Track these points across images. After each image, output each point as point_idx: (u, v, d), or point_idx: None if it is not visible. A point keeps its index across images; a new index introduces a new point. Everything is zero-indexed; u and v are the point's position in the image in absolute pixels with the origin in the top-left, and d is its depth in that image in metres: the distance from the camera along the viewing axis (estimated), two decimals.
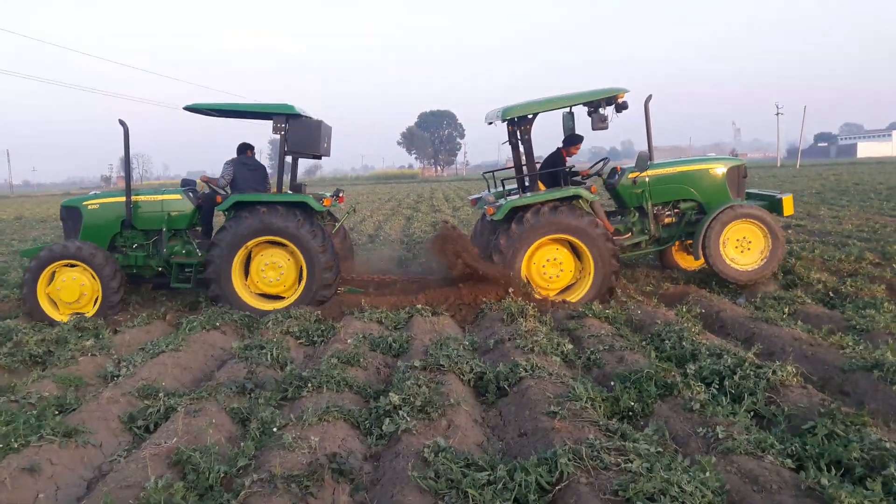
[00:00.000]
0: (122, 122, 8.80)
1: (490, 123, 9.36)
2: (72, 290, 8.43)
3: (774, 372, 4.93)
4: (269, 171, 10.15)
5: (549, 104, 8.80)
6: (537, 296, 8.32)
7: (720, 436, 4.00)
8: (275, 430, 4.50)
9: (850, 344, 5.74)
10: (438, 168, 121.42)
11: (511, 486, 3.53)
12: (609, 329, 6.86)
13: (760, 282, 8.70)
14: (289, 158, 9.21)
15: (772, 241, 8.67)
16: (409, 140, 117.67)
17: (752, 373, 4.98)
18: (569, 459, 3.63)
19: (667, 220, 9.21)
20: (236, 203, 8.54)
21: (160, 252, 9.06)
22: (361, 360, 6.03)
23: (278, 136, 8.69)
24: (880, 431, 4.03)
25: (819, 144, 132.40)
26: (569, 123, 9.54)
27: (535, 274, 8.52)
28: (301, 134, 8.75)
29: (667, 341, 6.10)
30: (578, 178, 9.52)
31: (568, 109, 9.33)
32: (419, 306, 7.98)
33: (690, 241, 9.19)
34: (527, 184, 9.06)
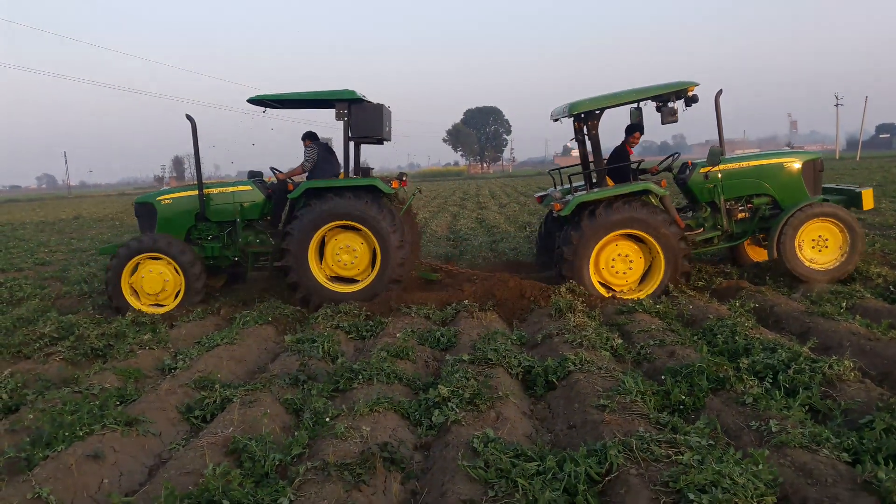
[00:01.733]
0: (189, 117, 9.08)
1: (556, 120, 9.37)
2: (154, 281, 8.79)
3: (831, 366, 4.82)
4: None
5: (618, 99, 8.69)
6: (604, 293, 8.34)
7: (773, 429, 3.93)
8: (327, 420, 4.61)
9: None
10: (485, 165, 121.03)
11: (560, 476, 3.54)
12: (660, 324, 6.79)
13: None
14: (352, 144, 9.31)
15: (850, 238, 8.41)
16: (456, 137, 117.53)
17: (807, 367, 4.87)
18: (619, 451, 3.62)
19: (740, 216, 9.00)
20: (307, 190, 8.77)
21: (235, 242, 9.36)
22: (410, 353, 6.12)
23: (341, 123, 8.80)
24: None
25: (881, 136, 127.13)
26: (636, 119, 9.43)
27: (604, 270, 8.48)
28: (364, 119, 8.89)
29: (719, 336, 6.00)
30: (647, 174, 9.43)
31: (636, 104, 9.20)
32: (466, 302, 8.02)
33: (764, 236, 9.02)
34: (594, 179, 9.03)
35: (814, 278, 8.34)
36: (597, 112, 8.73)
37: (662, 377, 5.10)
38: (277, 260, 8.94)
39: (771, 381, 4.89)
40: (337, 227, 8.77)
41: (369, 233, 8.67)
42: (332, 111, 8.84)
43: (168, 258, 8.76)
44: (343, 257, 8.84)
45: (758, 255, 9.76)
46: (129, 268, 8.78)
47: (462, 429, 4.30)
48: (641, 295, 8.21)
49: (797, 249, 8.39)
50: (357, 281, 8.90)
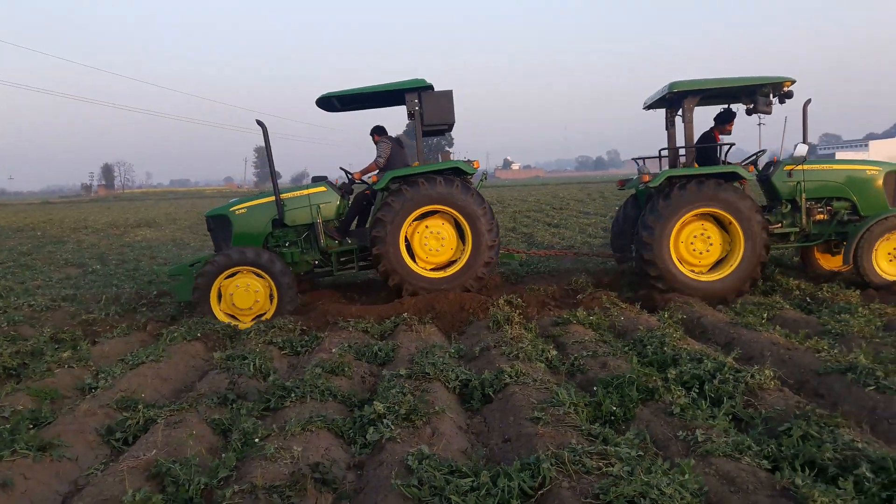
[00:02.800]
0: (260, 123, 8.92)
1: (648, 108, 9.83)
2: (246, 297, 8.52)
3: (752, 376, 5.00)
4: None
5: (719, 82, 8.84)
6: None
7: (699, 439, 4.04)
8: (257, 440, 4.46)
9: (825, 348, 5.83)
10: None
11: (494, 491, 3.53)
12: (593, 335, 6.90)
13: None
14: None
15: None
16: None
17: (731, 377, 5.04)
18: (551, 464, 3.64)
19: (818, 217, 9.25)
20: (391, 179, 8.71)
21: (314, 246, 9.23)
22: (346, 369, 6.02)
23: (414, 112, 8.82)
24: (853, 432, 4.08)
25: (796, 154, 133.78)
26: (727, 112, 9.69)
27: (683, 248, 8.69)
28: (436, 106, 8.88)
29: (648, 347, 6.14)
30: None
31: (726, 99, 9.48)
32: (405, 315, 7.97)
33: (836, 242, 9.39)
34: (677, 163, 9.42)
35: (881, 286, 8.52)
36: (695, 94, 8.87)
37: (595, 388, 5.18)
38: (366, 253, 9.02)
39: (697, 390, 5.03)
40: (422, 214, 8.77)
41: (460, 216, 8.67)
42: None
43: (259, 270, 8.53)
44: (431, 243, 8.84)
45: (829, 262, 10.01)
46: (216, 285, 8.51)
47: (397, 446, 4.25)
48: (713, 277, 8.53)
49: (873, 256, 8.62)
50: (451, 263, 8.91)
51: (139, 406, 5.19)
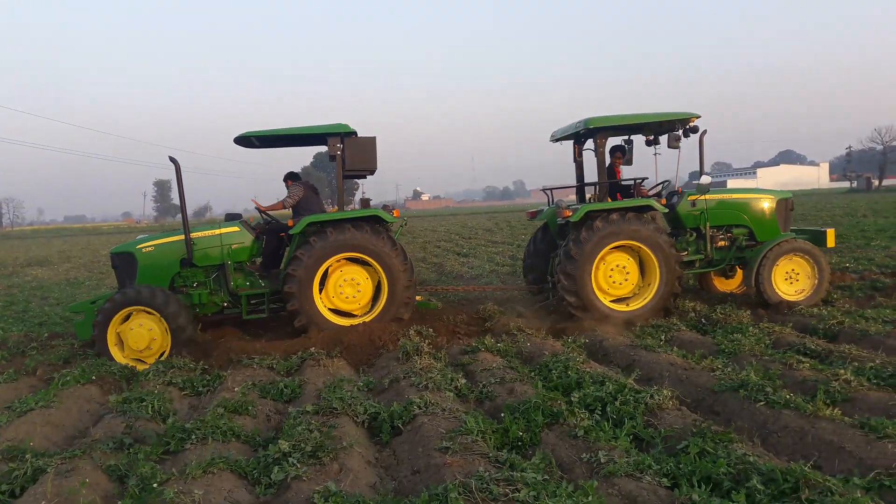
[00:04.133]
0: (172, 159, 8.57)
1: (556, 141, 10.11)
2: (141, 337, 8.12)
3: (652, 396, 5.22)
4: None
5: (631, 119, 9.20)
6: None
7: (602, 460, 4.17)
8: (155, 485, 4.26)
9: (719, 366, 6.15)
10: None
11: None
12: (501, 362, 7.01)
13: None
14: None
15: (818, 274, 9.32)
16: (307, 175, 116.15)
17: (631, 398, 5.23)
18: (459, 494, 3.66)
19: (720, 244, 9.80)
20: (308, 225, 8.53)
21: (223, 287, 8.89)
22: (250, 407, 5.85)
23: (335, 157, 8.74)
24: (745, 446, 4.32)
25: (693, 182, 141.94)
26: (620, 144, 10.07)
27: (602, 278, 8.96)
28: (357, 152, 8.82)
29: (554, 371, 6.30)
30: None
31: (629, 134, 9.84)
32: (312, 350, 7.83)
33: (730, 265, 9.98)
34: (589, 198, 9.72)
35: (786, 307, 9.04)
36: (608, 130, 9.25)
37: (502, 414, 5.25)
38: (274, 301, 8.82)
39: (600, 412, 5.19)
40: (341, 260, 8.66)
41: (375, 264, 8.57)
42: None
43: (154, 311, 8.13)
44: (346, 290, 8.70)
45: (724, 285, 10.69)
46: (115, 322, 8.12)
47: (303, 484, 4.16)
48: (631, 307, 8.93)
49: (772, 278, 9.21)
50: (354, 315, 8.82)
51: (27, 455, 4.85)
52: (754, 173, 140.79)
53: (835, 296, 9.67)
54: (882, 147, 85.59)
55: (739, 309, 8.89)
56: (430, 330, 8.42)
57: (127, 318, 8.25)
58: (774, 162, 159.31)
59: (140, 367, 7.88)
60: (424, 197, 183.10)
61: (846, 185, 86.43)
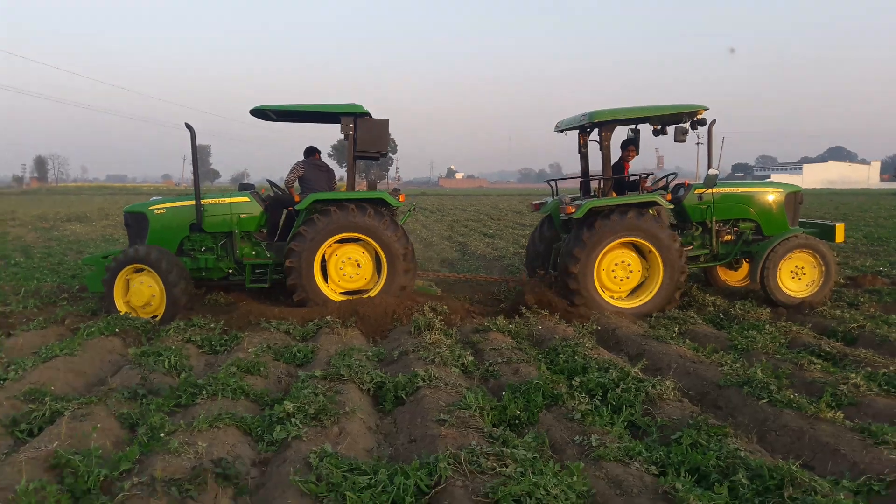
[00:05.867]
0: (188, 126, 8.77)
1: (561, 131, 9.96)
2: (142, 293, 8.39)
3: (654, 386, 5.25)
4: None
5: (636, 112, 9.16)
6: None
7: (594, 444, 4.24)
8: (162, 435, 4.45)
9: (728, 362, 6.14)
10: (366, 181, 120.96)
11: (390, 489, 3.62)
12: (510, 343, 7.08)
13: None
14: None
15: (825, 271, 9.15)
16: (341, 153, 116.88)
17: (633, 386, 5.27)
18: (448, 464, 3.77)
19: (726, 238, 9.67)
20: (315, 202, 8.70)
21: (230, 254, 9.10)
22: (262, 368, 6.03)
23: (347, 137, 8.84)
24: (740, 441, 4.34)
25: (736, 175, 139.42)
26: (631, 137, 9.99)
27: (605, 275, 8.93)
28: (369, 133, 8.90)
29: (561, 355, 6.36)
30: (638, 191, 9.84)
31: (635, 125, 9.79)
32: (329, 318, 8.00)
33: (747, 260, 9.83)
34: (594, 192, 9.64)
35: (784, 302, 9.00)
36: (613, 123, 9.16)
37: (503, 392, 5.34)
38: (277, 272, 8.95)
39: (600, 398, 5.25)
40: (340, 240, 8.78)
41: (376, 246, 8.71)
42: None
43: (155, 271, 8.36)
44: (347, 270, 8.86)
45: (729, 277, 10.56)
46: (121, 277, 8.42)
47: (303, 444, 4.30)
48: (633, 304, 8.84)
49: (777, 274, 9.06)
50: (364, 292, 8.91)
51: (46, 398, 5.11)
52: (800, 169, 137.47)
53: (861, 299, 9.47)
54: None
55: (760, 306, 8.80)
56: (445, 307, 8.52)
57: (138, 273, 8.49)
58: (823, 158, 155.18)
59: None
60: (458, 175, 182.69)
61: None
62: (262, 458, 4.39)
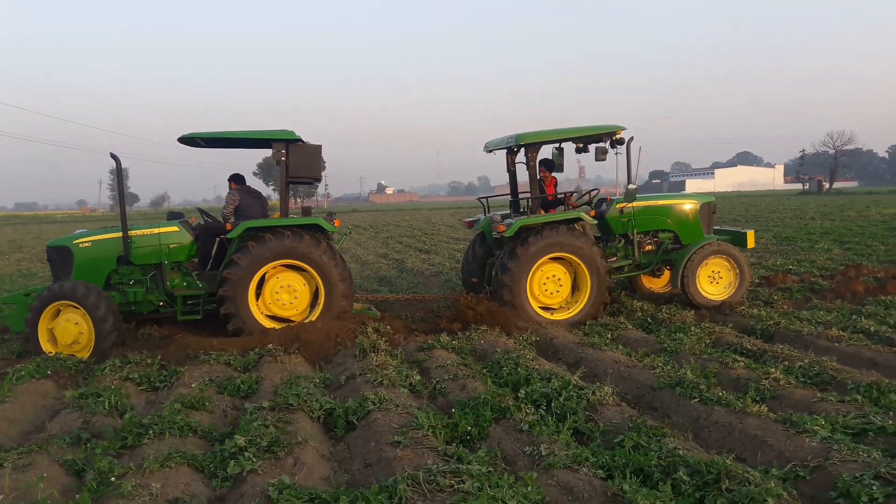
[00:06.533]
0: (113, 155, 8.50)
1: (490, 151, 10.34)
2: (68, 332, 8.07)
3: (594, 392, 5.51)
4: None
5: (559, 134, 9.59)
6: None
7: (543, 453, 4.44)
8: (113, 479, 4.38)
9: (660, 364, 6.50)
10: (299, 200, 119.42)
11: None
12: (455, 359, 7.25)
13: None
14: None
15: (740, 274, 9.81)
16: (267, 171, 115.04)
17: (575, 394, 5.52)
18: (407, 485, 3.88)
19: (647, 248, 10.20)
20: (245, 230, 8.55)
21: (160, 286, 8.83)
22: (207, 403, 5.96)
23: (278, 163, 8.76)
24: (677, 440, 4.63)
25: (653, 181, 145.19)
26: (556, 155, 10.33)
27: (537, 289, 9.26)
28: (302, 159, 8.84)
29: (504, 368, 6.57)
30: (562, 207, 10.28)
31: (559, 144, 10.11)
32: (270, 346, 7.94)
33: (668, 268, 10.41)
34: (522, 209, 10.03)
35: (704, 305, 9.57)
36: (538, 144, 9.60)
37: (453, 409, 5.49)
38: (210, 303, 8.74)
39: (545, 408, 5.47)
40: (279, 266, 8.68)
41: (314, 272, 8.63)
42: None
43: (79, 306, 8.06)
44: (283, 297, 8.74)
45: (653, 284, 11.13)
46: (45, 316, 8.08)
47: (258, 478, 4.32)
48: (565, 316, 9.23)
49: (696, 279, 9.65)
50: (293, 322, 8.79)
51: None
52: (712, 173, 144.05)
53: (775, 297, 10.15)
54: (833, 151, 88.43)
55: (684, 309, 9.30)
56: (388, 327, 8.61)
57: (58, 313, 8.22)
58: (732, 163, 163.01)
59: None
60: (389, 191, 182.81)
61: (799, 186, 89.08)
62: (218, 495, 4.37)
